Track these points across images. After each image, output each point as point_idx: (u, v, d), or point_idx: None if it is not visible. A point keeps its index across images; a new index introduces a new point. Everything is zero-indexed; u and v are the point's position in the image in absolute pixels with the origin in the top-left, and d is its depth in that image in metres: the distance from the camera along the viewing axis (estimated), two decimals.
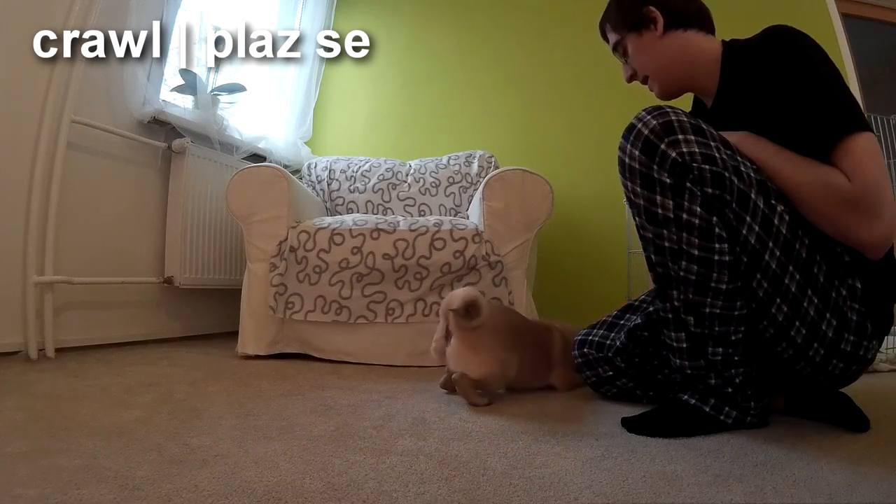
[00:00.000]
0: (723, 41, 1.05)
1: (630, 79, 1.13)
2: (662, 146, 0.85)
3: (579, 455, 0.81)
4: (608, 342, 1.15)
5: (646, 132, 0.86)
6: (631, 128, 0.89)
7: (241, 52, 2.66)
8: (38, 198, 1.61)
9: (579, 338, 1.22)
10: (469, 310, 1.15)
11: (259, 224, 1.78)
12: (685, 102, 1.22)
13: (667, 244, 0.88)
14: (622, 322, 1.17)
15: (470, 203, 2.22)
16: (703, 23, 1.07)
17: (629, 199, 0.91)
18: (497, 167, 2.30)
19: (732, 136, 0.92)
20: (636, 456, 0.81)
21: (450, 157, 2.40)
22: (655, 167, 0.85)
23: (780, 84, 0.91)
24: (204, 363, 1.61)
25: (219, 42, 2.40)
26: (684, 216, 0.85)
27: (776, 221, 0.86)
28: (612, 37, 1.13)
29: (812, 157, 0.87)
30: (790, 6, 2.32)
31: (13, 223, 1.59)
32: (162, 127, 2.05)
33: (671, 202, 0.86)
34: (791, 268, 0.86)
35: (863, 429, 0.93)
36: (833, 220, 0.86)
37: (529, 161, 2.15)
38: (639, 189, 0.88)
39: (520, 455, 0.81)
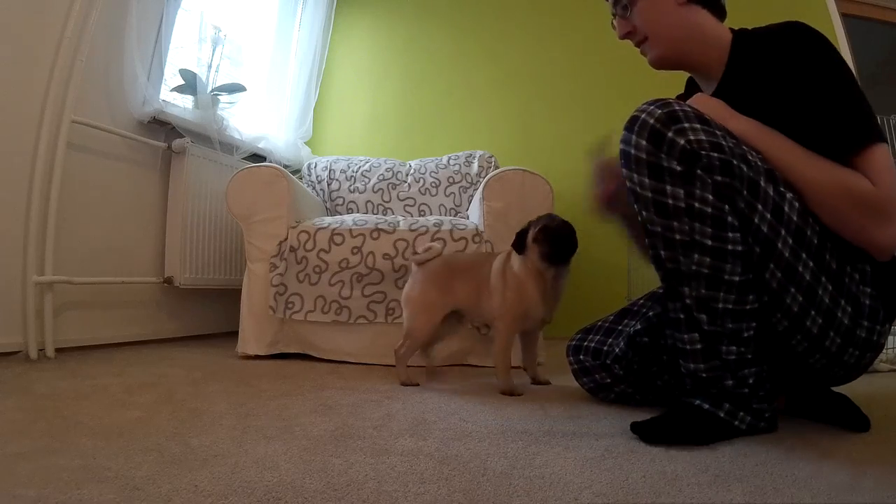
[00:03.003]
0: (731, 29, 1.03)
1: (625, 36, 1.06)
2: (670, 134, 0.83)
3: (579, 455, 0.81)
4: (605, 348, 1.13)
5: (651, 121, 0.84)
6: (634, 119, 0.86)
7: (241, 52, 2.68)
8: (38, 198, 1.61)
9: (574, 344, 1.19)
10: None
11: (259, 224, 1.78)
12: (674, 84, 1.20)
13: (678, 237, 0.85)
14: (620, 328, 1.15)
15: (470, 203, 2.22)
16: (721, 11, 1.05)
17: (634, 193, 0.88)
18: (497, 167, 2.30)
19: (740, 123, 0.91)
20: (636, 456, 0.81)
21: (450, 157, 2.40)
22: (664, 156, 0.83)
23: (802, 81, 0.89)
24: (204, 363, 1.61)
25: (219, 42, 2.41)
26: (696, 205, 0.83)
27: (786, 209, 0.84)
28: None
29: (829, 156, 0.86)
30: (790, 6, 2.32)
31: (13, 223, 1.59)
32: (162, 127, 2.05)
33: (682, 191, 0.83)
34: (804, 255, 0.85)
35: (863, 429, 0.93)
36: (849, 222, 0.86)
37: (529, 161, 2.15)
38: (646, 180, 0.85)
39: (520, 455, 0.81)
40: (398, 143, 2.84)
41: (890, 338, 1.88)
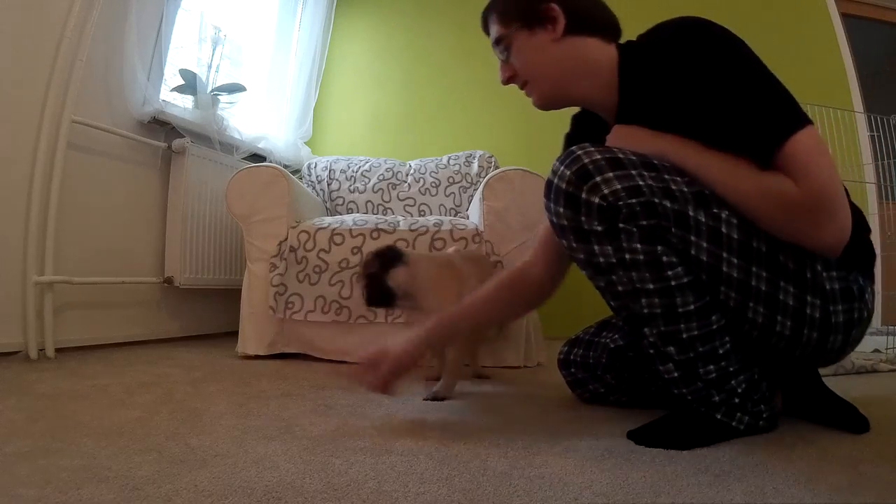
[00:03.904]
0: (618, 45, 0.96)
1: (508, 80, 1.01)
2: (584, 195, 0.80)
3: (579, 455, 0.81)
4: (592, 361, 1.13)
5: (564, 186, 0.82)
6: (549, 185, 0.84)
7: (241, 52, 2.68)
8: (38, 198, 1.61)
9: (562, 357, 1.19)
10: None
11: (259, 224, 1.78)
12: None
13: (620, 288, 0.84)
14: (599, 339, 1.14)
15: (470, 203, 2.22)
16: (609, 33, 0.96)
17: (570, 256, 0.88)
18: (497, 167, 2.30)
19: (658, 143, 0.87)
20: (636, 456, 0.81)
21: (450, 157, 2.40)
22: (584, 218, 0.81)
23: (706, 82, 0.83)
24: (204, 363, 1.61)
25: (219, 42, 2.41)
26: (627, 256, 0.81)
27: (724, 229, 0.81)
28: (497, 30, 0.99)
29: (753, 159, 0.82)
30: (790, 6, 2.32)
31: (13, 223, 1.59)
32: (162, 127, 2.05)
33: (609, 247, 0.82)
34: (754, 268, 0.82)
35: (863, 430, 0.92)
36: (785, 228, 0.82)
37: (529, 161, 2.15)
38: (574, 244, 0.84)
39: (520, 455, 0.81)
40: (398, 143, 2.84)
41: (890, 338, 1.88)
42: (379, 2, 3.00)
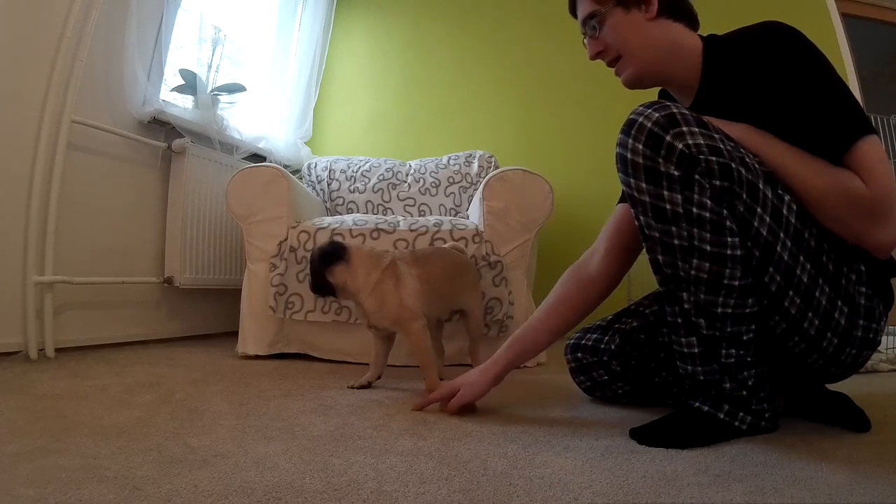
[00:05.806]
0: (700, 36, 1.01)
1: (596, 56, 1.04)
2: (668, 138, 0.82)
3: (579, 455, 0.81)
4: (602, 346, 1.13)
5: (649, 125, 0.83)
6: (631, 122, 0.85)
7: (241, 52, 2.68)
8: (38, 198, 1.61)
9: (572, 342, 1.20)
10: None
11: (259, 224, 1.78)
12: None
13: (676, 242, 0.84)
14: (617, 325, 1.15)
15: (470, 203, 2.22)
16: (692, 20, 1.02)
17: (631, 198, 0.87)
18: (497, 167, 2.30)
19: (734, 129, 0.90)
20: (636, 456, 0.81)
21: (450, 157, 2.40)
22: (661, 160, 0.82)
23: (785, 81, 0.88)
24: (204, 363, 1.61)
25: (219, 42, 2.41)
26: (695, 210, 0.82)
27: (785, 212, 0.84)
28: (589, 6, 1.01)
29: (823, 157, 0.86)
30: (790, 6, 2.31)
31: (13, 223, 1.59)
32: (162, 127, 2.05)
33: (680, 196, 0.82)
34: (802, 258, 0.84)
35: (863, 429, 0.93)
36: (846, 223, 0.85)
37: (529, 161, 2.15)
38: (643, 185, 0.84)
39: (520, 455, 0.81)
40: (398, 143, 2.84)
41: (890, 338, 1.88)
42: (379, 2, 3.00)
